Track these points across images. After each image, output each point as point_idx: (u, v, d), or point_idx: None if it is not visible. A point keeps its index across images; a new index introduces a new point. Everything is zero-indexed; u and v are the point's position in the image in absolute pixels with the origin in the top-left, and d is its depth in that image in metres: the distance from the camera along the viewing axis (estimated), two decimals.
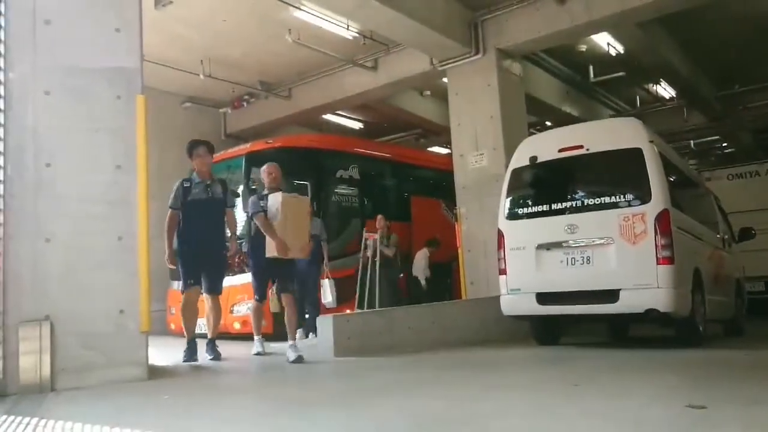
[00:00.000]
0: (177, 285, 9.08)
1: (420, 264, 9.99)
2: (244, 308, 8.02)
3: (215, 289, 5.77)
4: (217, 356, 5.71)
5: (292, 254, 5.47)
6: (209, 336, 5.79)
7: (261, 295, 5.84)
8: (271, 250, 5.39)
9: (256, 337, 6.00)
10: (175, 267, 5.71)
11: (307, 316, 7.97)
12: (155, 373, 4.47)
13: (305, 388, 4.19)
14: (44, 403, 3.52)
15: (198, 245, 5.57)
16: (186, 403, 3.62)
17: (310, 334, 7.59)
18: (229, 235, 5.90)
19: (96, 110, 4.28)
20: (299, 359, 5.21)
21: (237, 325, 8.17)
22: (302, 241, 5.53)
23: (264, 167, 5.84)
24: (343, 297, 8.54)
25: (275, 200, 5.48)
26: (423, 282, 9.88)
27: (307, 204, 6.01)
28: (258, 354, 5.88)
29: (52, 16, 4.13)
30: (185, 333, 5.64)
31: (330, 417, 3.04)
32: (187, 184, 5.68)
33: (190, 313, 5.67)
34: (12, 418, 3.06)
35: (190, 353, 5.50)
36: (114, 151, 4.32)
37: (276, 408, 3.39)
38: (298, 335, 6.21)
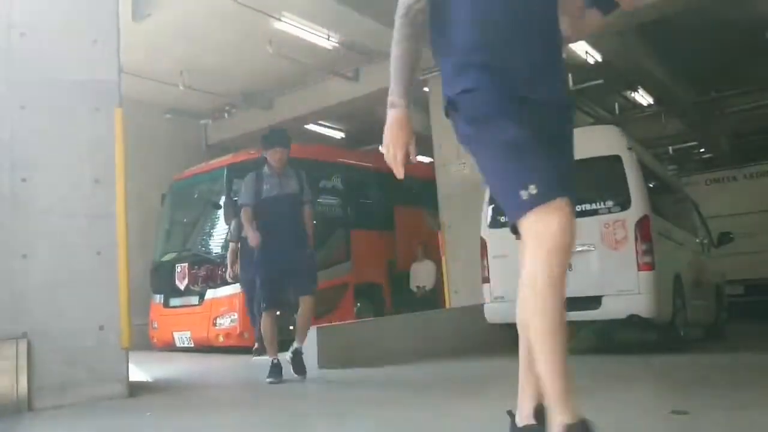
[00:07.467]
0: (158, 298, 9.02)
1: (426, 274, 10.12)
2: (228, 321, 7.95)
3: None
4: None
5: None
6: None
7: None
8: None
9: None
10: None
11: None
12: (137, 389, 4.40)
13: (293, 402, 4.14)
14: (21, 422, 3.44)
15: None
16: (169, 420, 3.56)
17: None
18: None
19: (73, 124, 4.22)
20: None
21: (221, 338, 8.08)
22: None
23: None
24: (328, 309, 8.49)
25: None
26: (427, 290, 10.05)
27: None
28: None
29: (27, 29, 4.08)
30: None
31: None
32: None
33: None
34: None
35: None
36: (92, 165, 4.26)
37: (264, 423, 3.35)
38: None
